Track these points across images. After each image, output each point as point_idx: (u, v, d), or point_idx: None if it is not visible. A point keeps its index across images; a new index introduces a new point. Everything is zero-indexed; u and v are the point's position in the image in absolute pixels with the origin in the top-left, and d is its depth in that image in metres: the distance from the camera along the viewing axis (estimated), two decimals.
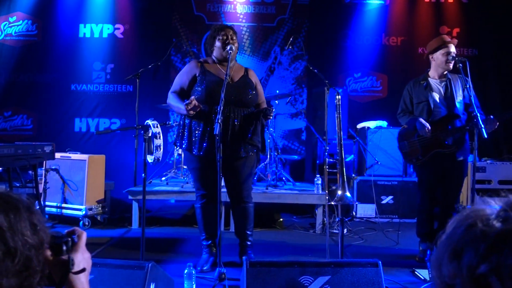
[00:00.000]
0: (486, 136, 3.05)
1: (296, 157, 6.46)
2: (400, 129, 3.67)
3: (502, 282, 0.55)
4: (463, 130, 3.36)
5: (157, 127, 2.66)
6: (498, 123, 3.19)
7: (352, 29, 6.88)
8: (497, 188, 5.20)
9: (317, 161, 5.42)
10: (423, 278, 3.02)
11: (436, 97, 3.42)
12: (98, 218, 4.63)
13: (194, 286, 2.59)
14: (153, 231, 4.42)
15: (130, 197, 4.56)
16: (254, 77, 3.28)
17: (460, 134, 3.38)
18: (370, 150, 5.31)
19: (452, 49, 3.36)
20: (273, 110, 3.18)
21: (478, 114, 3.12)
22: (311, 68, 3.56)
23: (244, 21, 6.91)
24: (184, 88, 3.19)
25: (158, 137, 2.66)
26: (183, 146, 3.12)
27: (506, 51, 6.77)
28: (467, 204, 4.82)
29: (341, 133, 2.96)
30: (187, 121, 3.12)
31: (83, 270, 1.02)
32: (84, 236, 1.06)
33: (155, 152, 2.66)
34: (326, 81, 3.29)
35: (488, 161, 5.31)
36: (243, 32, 6.89)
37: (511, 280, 0.54)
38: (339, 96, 3.04)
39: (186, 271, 2.59)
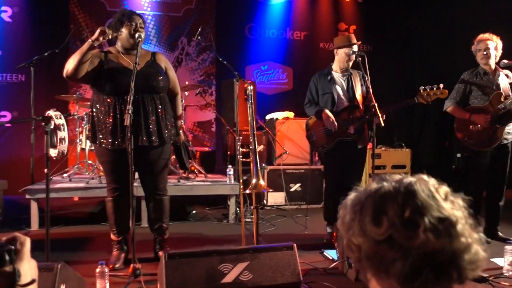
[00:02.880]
0: (383, 125, 3.35)
1: (207, 148, 6.45)
2: (308, 120, 3.86)
3: (423, 216, 0.72)
4: (362, 120, 3.65)
5: (60, 118, 2.46)
6: (385, 114, 3.53)
7: (259, 22, 7.03)
8: (391, 173, 5.73)
9: (228, 152, 5.47)
10: (331, 257, 3.23)
11: (339, 89, 3.69)
12: None
13: (107, 284, 2.47)
14: (56, 232, 4.10)
15: (27, 196, 4.16)
16: (163, 61, 3.14)
17: (360, 124, 3.68)
18: (279, 140, 5.50)
19: (355, 49, 3.66)
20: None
21: (376, 104, 3.41)
22: (220, 59, 3.53)
23: (149, 9, 6.68)
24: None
25: (62, 129, 2.46)
26: (94, 138, 2.96)
27: (396, 48, 7.46)
28: None
29: (254, 123, 3.01)
30: (95, 113, 2.94)
31: (32, 281, 0.88)
32: (28, 243, 0.90)
33: (59, 145, 2.46)
34: (236, 73, 3.32)
35: (383, 148, 5.82)
36: (148, 21, 6.66)
37: (429, 212, 0.72)
38: (251, 87, 3.07)
39: (98, 269, 2.45)
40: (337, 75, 3.72)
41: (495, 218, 3.81)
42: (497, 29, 3.91)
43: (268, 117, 5.90)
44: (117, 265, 2.96)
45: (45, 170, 2.47)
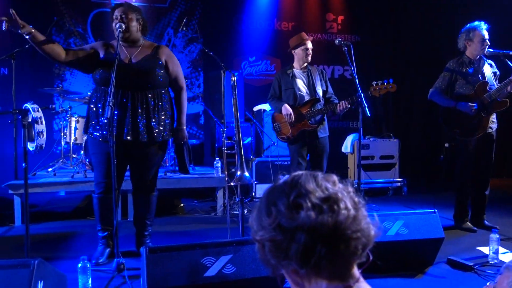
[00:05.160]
0: (369, 115, 3.37)
1: (194, 141, 6.39)
2: (273, 113, 4.10)
3: (305, 199, 0.80)
4: (323, 112, 3.89)
5: (38, 111, 2.40)
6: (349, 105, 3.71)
7: (245, 13, 6.95)
8: (379, 163, 5.74)
9: (216, 145, 5.43)
10: None
11: (300, 84, 3.97)
12: None
13: (89, 280, 2.43)
14: (41, 227, 4.04)
15: (10, 191, 4.10)
16: (165, 55, 3.03)
17: (321, 115, 3.92)
18: (267, 131, 5.46)
19: (309, 45, 3.94)
20: None
21: (362, 94, 3.42)
22: (206, 51, 3.56)
23: (133, 0, 6.56)
24: (82, 48, 3.02)
25: (39, 122, 2.40)
26: (88, 130, 2.97)
27: (384, 38, 7.43)
28: (355, 179, 5.24)
29: (238, 114, 2.97)
30: (91, 104, 2.96)
31: None
32: None
33: (37, 138, 2.40)
34: (222, 64, 3.30)
35: (371, 139, 5.81)
36: None
37: (313, 195, 0.80)
38: (235, 78, 3.04)
39: (79, 265, 2.41)
40: (297, 72, 4.01)
41: (481, 207, 3.82)
42: (483, 18, 3.90)
43: (256, 108, 5.85)
44: (100, 260, 2.93)
45: (23, 164, 2.41)
